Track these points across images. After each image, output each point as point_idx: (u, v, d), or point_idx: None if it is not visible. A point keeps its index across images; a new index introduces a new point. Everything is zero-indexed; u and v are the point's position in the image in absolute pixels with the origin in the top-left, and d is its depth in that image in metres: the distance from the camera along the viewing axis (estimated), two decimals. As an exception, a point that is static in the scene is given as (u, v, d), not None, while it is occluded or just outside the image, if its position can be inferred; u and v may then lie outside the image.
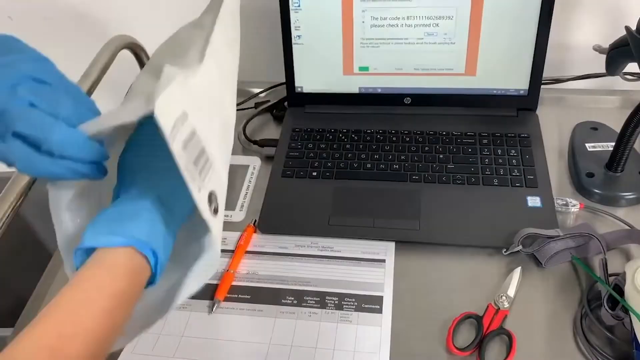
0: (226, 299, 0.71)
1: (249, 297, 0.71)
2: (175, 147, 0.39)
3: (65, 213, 0.47)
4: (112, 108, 0.43)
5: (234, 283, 0.72)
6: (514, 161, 0.81)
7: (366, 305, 0.68)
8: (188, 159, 0.41)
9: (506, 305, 0.66)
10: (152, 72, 0.51)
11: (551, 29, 0.82)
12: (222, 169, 0.49)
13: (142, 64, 1.01)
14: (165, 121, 0.38)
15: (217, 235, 0.45)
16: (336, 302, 0.69)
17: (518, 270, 0.69)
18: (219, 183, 0.47)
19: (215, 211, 0.45)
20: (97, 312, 0.39)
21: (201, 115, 0.45)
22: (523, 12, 0.82)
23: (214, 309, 0.69)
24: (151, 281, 0.44)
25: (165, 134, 0.38)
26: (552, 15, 0.81)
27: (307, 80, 0.92)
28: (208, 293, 0.71)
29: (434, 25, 0.84)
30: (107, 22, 1.10)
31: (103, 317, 0.39)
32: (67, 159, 0.42)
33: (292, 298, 0.70)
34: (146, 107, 0.38)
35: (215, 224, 0.45)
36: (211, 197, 0.44)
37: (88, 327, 0.38)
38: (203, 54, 0.49)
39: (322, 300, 0.70)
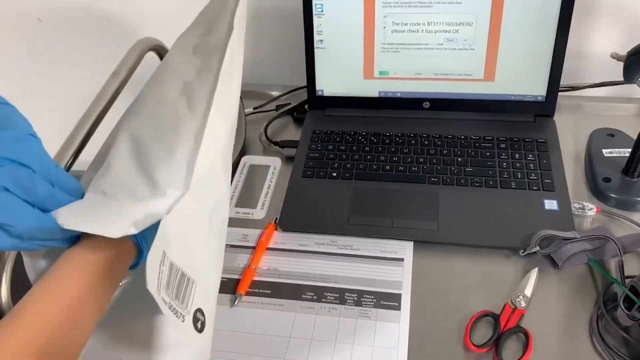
0: (247, 294, 0.72)
1: (269, 292, 0.72)
2: (159, 298, 0.41)
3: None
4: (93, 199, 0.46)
5: (255, 278, 0.74)
6: (531, 165, 0.82)
7: (385, 302, 0.70)
8: (169, 296, 0.43)
9: (523, 304, 0.67)
10: (138, 149, 0.50)
11: (569, 37, 0.84)
12: (211, 267, 0.51)
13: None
14: (151, 284, 0.40)
15: (204, 348, 0.48)
16: (355, 298, 0.71)
17: (535, 271, 0.70)
18: (206, 293, 0.49)
19: (202, 327, 0.46)
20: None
21: (184, 233, 0.47)
22: (542, 20, 0.83)
23: (235, 302, 0.71)
24: None
25: (152, 293, 0.40)
26: (570, 23, 0.83)
27: (328, 84, 0.94)
28: (230, 287, 0.73)
29: (454, 31, 0.86)
30: (132, 25, 1.12)
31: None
32: (37, 240, 0.43)
33: (312, 294, 0.72)
34: (129, 230, 0.42)
35: (201, 340, 0.46)
36: (197, 315, 0.46)
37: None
38: (194, 157, 0.48)
39: (341, 296, 0.71)
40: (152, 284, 0.40)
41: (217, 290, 0.53)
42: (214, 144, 0.51)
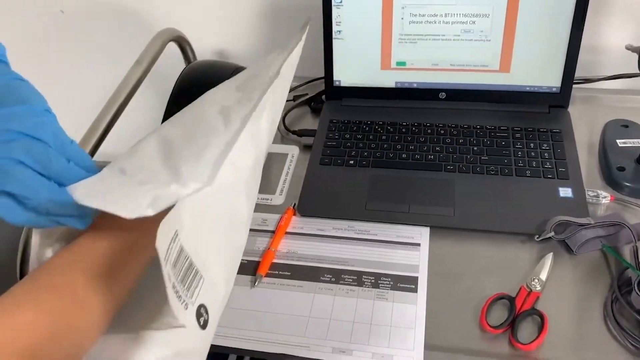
0: (267, 275, 0.74)
1: (289, 273, 0.74)
2: (165, 270, 0.39)
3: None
4: (112, 179, 0.44)
5: (275, 260, 0.76)
6: (546, 154, 0.84)
7: (402, 285, 0.71)
8: (175, 277, 0.41)
9: (538, 287, 0.69)
10: (166, 147, 0.49)
11: (584, 30, 0.85)
12: (221, 277, 0.49)
13: (186, 57, 1.06)
14: (161, 247, 0.38)
15: (203, 351, 0.46)
16: (372, 281, 0.72)
17: (550, 256, 0.72)
18: (213, 294, 0.47)
19: (205, 324, 0.44)
20: None
21: (198, 228, 0.45)
22: (557, 12, 0.85)
23: (256, 283, 0.73)
24: None
25: (161, 259, 0.38)
26: (585, 16, 0.84)
27: (345, 74, 0.96)
28: (250, 269, 0.75)
29: (471, 22, 0.88)
30: (154, 16, 1.15)
31: None
32: (52, 215, 0.42)
33: (330, 276, 0.73)
34: (145, 211, 0.39)
35: (202, 338, 0.45)
36: (200, 310, 0.44)
37: None
38: (222, 159, 0.46)
39: (359, 278, 0.72)
40: (162, 245, 0.38)
41: (225, 302, 0.51)
42: (241, 161, 0.51)
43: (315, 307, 0.70)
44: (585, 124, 0.92)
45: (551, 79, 0.90)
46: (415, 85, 0.94)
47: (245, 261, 0.76)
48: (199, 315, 0.43)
